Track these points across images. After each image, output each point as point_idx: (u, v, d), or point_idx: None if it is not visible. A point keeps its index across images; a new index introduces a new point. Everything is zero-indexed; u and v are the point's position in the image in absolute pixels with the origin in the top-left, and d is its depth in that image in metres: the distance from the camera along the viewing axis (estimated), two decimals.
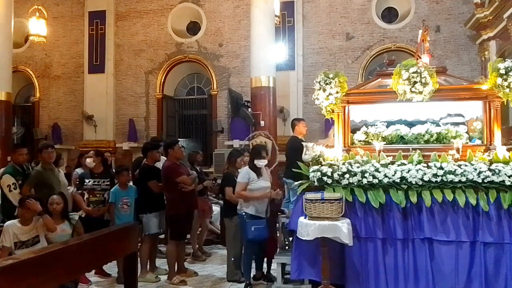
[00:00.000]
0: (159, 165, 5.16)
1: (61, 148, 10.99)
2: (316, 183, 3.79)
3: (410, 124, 4.37)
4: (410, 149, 4.00)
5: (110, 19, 12.30)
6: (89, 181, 4.95)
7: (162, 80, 12.24)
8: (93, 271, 4.96)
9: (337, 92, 4.10)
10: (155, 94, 12.24)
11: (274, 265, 4.71)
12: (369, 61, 11.08)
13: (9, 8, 10.33)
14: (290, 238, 4.40)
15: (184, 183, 4.82)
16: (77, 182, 4.95)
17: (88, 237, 3.34)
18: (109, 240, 3.52)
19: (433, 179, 3.64)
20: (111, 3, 12.31)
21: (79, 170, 5.68)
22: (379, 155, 3.87)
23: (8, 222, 3.83)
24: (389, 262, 3.69)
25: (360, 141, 4.32)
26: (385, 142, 4.15)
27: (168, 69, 12.22)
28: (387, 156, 3.85)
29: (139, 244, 4.74)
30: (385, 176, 3.69)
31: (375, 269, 3.68)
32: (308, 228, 3.45)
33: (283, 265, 4.47)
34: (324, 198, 3.48)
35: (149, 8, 12.27)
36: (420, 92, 3.89)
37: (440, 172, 3.64)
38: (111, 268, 5.08)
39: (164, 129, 12.23)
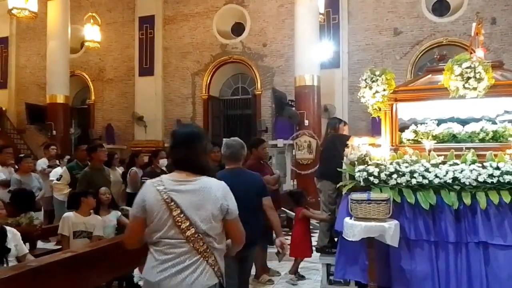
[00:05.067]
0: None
1: (114, 148, 11.55)
2: (362, 183, 3.72)
3: (463, 122, 4.16)
4: (463, 148, 3.81)
5: (159, 23, 12.76)
6: None
7: (208, 81, 12.52)
8: None
9: (384, 90, 3.99)
10: (201, 95, 12.54)
11: (319, 265, 4.68)
12: (419, 56, 10.69)
13: (66, 16, 11.02)
14: (335, 239, 4.34)
15: (268, 182, 4.86)
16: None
17: None
18: None
19: (489, 180, 3.44)
20: (159, 7, 12.78)
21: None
22: (429, 154, 3.73)
23: (66, 214, 4.05)
24: (440, 266, 3.53)
25: (408, 140, 4.18)
26: (435, 141, 3.99)
27: (213, 70, 12.48)
28: (438, 155, 3.70)
29: None
30: (436, 176, 3.54)
31: (425, 273, 3.55)
32: (354, 229, 3.39)
33: (328, 266, 4.43)
34: (371, 198, 3.41)
35: (195, 11, 12.59)
36: (474, 88, 3.70)
37: (497, 173, 3.44)
38: None
39: (210, 129, 12.50)
